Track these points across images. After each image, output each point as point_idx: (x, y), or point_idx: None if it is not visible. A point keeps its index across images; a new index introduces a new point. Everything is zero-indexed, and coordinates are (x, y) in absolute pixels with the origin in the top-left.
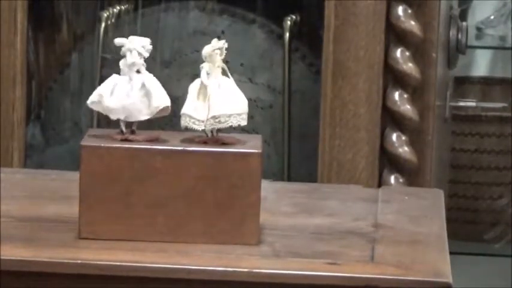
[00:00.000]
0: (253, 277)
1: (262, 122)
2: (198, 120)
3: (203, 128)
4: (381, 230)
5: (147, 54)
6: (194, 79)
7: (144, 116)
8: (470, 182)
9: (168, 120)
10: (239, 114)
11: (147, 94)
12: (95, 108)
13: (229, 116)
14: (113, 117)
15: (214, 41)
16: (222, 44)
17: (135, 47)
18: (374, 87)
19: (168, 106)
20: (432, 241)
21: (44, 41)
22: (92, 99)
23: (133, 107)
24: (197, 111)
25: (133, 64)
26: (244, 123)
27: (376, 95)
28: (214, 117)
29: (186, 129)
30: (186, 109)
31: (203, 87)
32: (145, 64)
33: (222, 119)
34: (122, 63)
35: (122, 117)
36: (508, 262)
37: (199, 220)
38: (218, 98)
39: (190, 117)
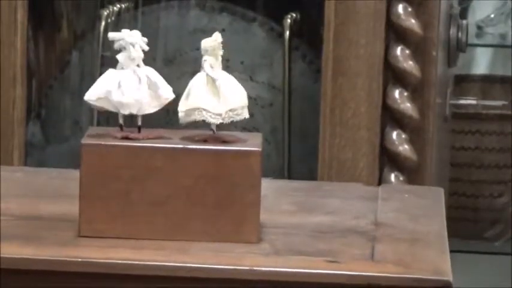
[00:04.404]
0: (254, 275)
1: (263, 120)
2: (215, 114)
3: (221, 121)
4: (381, 228)
5: (147, 48)
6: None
7: (153, 109)
8: (470, 180)
9: (168, 119)
10: (241, 108)
11: (153, 86)
12: (101, 104)
13: (243, 107)
14: (125, 112)
15: (216, 34)
16: (221, 37)
17: (137, 41)
18: (374, 86)
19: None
20: (432, 239)
21: (44, 39)
22: (98, 96)
23: (144, 100)
24: (212, 104)
25: (137, 58)
26: (248, 115)
27: (376, 93)
28: (232, 110)
29: (204, 122)
30: (198, 103)
31: (210, 80)
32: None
33: (239, 111)
34: (121, 57)
35: (134, 111)
36: (508, 260)
37: (200, 218)
38: (231, 91)
39: (207, 111)
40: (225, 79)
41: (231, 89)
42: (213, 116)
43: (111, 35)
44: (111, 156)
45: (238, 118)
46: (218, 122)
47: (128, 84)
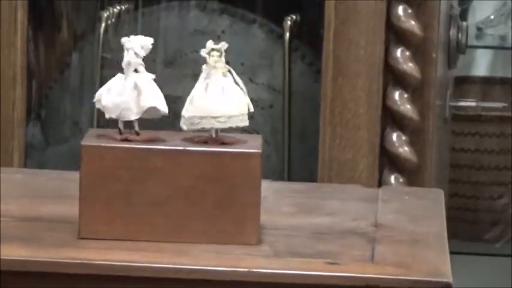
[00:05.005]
0: (253, 277)
1: (263, 122)
2: (185, 119)
3: (190, 127)
4: (381, 230)
5: (143, 54)
6: (194, 79)
7: (134, 116)
8: (470, 182)
9: (169, 121)
10: (239, 116)
11: (139, 94)
12: (97, 106)
13: (229, 117)
14: (107, 115)
15: (209, 42)
16: (220, 45)
17: (132, 47)
18: (374, 87)
19: (156, 107)
20: (432, 241)
21: (44, 40)
22: (96, 98)
23: (124, 106)
24: (188, 111)
25: (129, 63)
26: (245, 123)
27: (376, 95)
28: (214, 117)
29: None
30: (182, 110)
31: (200, 88)
32: (143, 64)
33: (222, 119)
34: (123, 62)
35: (114, 116)
36: (508, 262)
37: (199, 220)
38: (217, 99)
39: (182, 116)
40: (219, 87)
41: (213, 97)
42: (185, 122)
43: (124, 40)
44: (111, 157)
45: (221, 126)
46: (186, 128)
47: (114, 89)
